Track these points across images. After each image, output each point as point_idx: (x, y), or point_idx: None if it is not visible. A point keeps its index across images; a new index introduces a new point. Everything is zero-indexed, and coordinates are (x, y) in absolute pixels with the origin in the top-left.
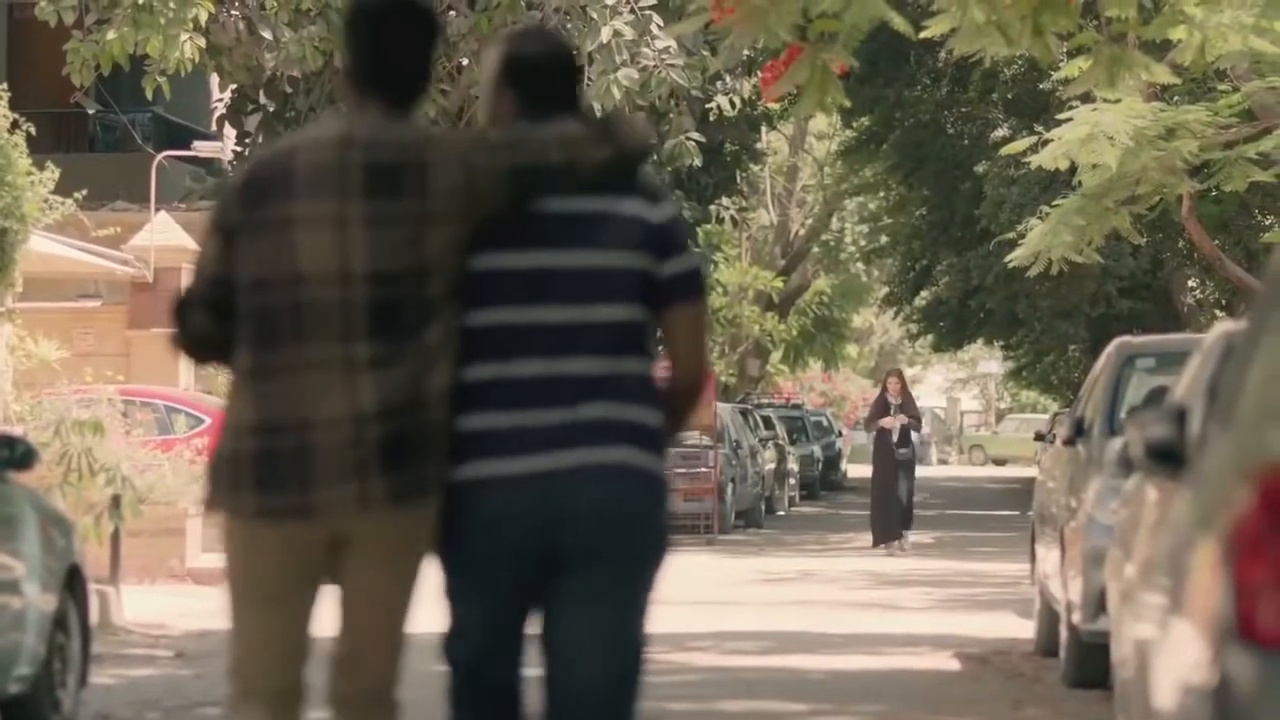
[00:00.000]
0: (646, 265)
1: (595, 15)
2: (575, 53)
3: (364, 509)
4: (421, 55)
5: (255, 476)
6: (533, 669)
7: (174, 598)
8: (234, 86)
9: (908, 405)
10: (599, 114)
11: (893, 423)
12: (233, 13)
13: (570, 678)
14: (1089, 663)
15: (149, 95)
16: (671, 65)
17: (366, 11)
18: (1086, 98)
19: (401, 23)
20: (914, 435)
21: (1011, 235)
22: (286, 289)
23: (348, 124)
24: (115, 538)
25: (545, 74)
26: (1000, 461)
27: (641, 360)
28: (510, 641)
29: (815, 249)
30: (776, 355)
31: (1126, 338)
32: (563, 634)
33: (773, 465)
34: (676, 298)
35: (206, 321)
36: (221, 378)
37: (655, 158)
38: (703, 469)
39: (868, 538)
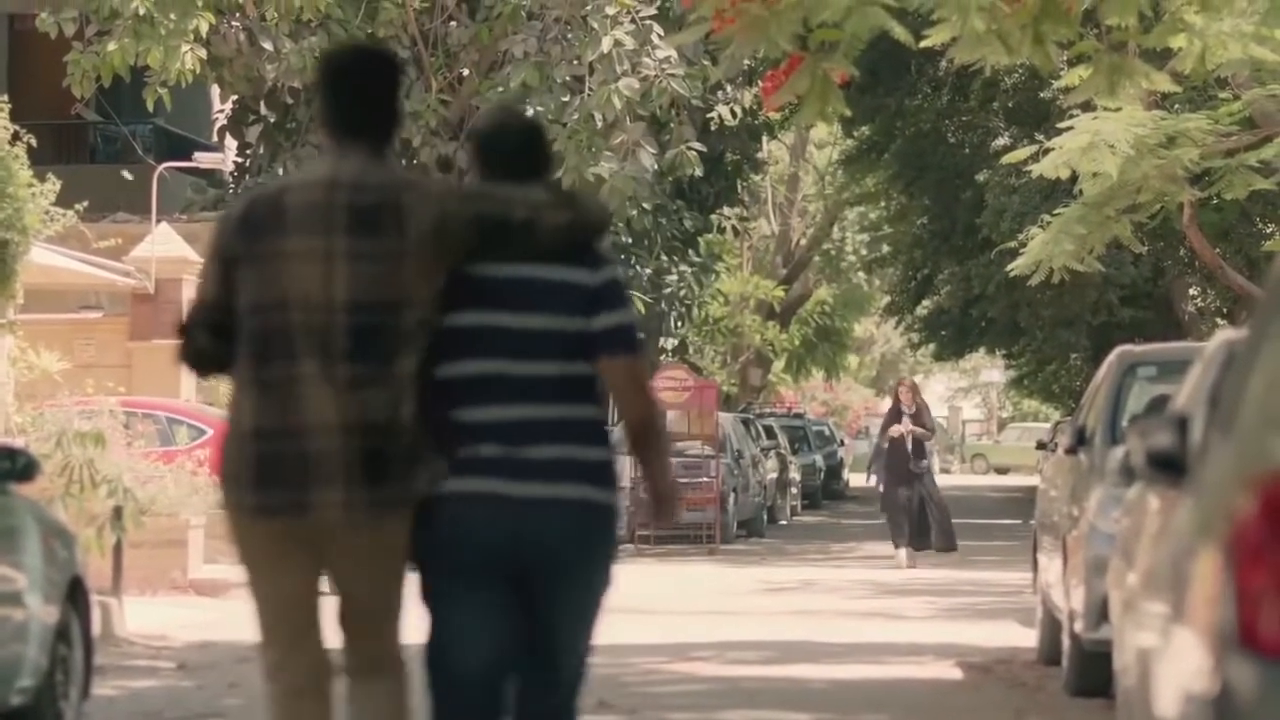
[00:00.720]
0: (583, 326)
1: (596, 25)
2: (539, 128)
3: (348, 513)
4: (390, 99)
5: (255, 476)
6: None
7: (176, 609)
8: (235, 97)
9: (922, 415)
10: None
11: (900, 430)
12: (233, 24)
13: (543, 675)
14: (1091, 671)
15: (150, 106)
16: (672, 75)
17: (335, 66)
18: (1087, 106)
19: (369, 72)
20: (927, 446)
21: (1013, 244)
22: (279, 313)
23: (333, 167)
24: (117, 549)
25: (505, 144)
26: (1002, 470)
27: (592, 406)
28: (489, 643)
29: (816, 258)
30: (778, 365)
31: (1128, 346)
32: (542, 614)
33: (775, 475)
34: (604, 350)
35: (208, 340)
36: (223, 389)
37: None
38: (705, 479)
39: (870, 547)
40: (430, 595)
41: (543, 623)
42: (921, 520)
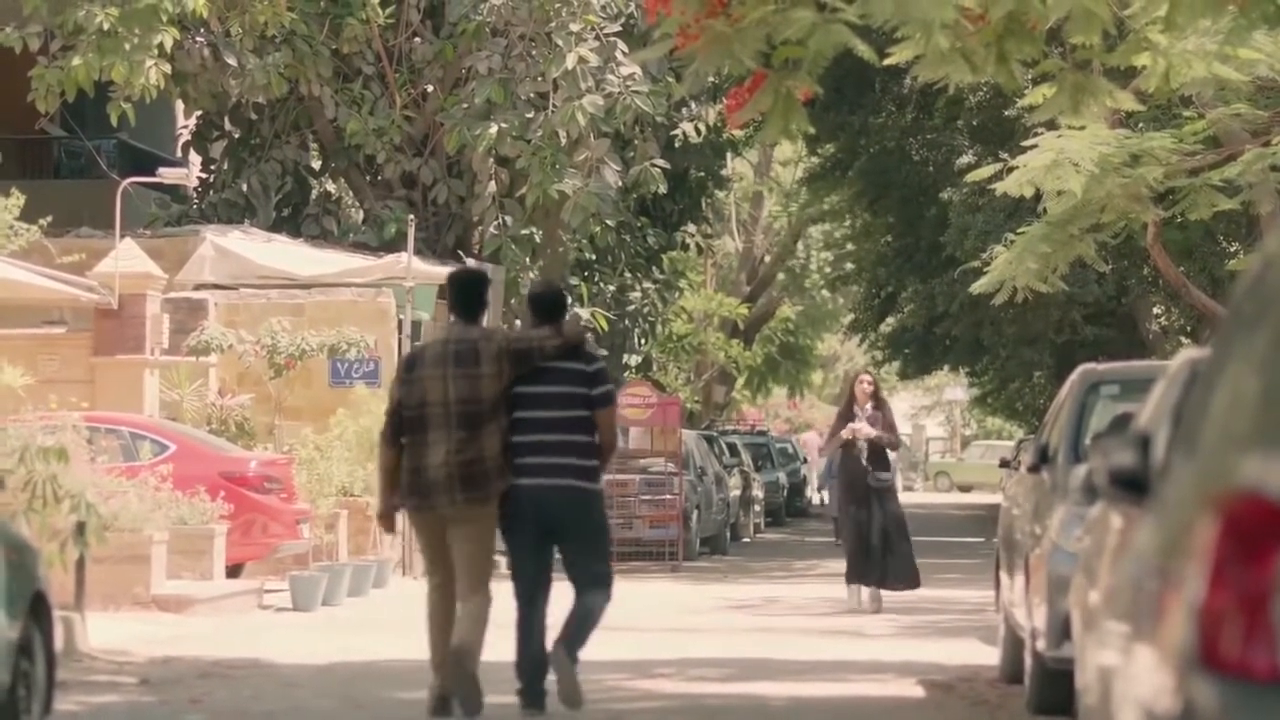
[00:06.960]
0: (585, 391)
1: (560, 42)
2: (559, 293)
3: (453, 506)
4: (481, 297)
5: (411, 491)
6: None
7: (138, 624)
8: (199, 113)
9: (882, 416)
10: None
11: (865, 431)
12: (198, 39)
13: (581, 572)
14: (1053, 690)
15: (114, 122)
16: (636, 92)
17: (456, 280)
18: (1051, 124)
19: (473, 285)
20: (891, 455)
21: (976, 263)
22: (421, 409)
23: (448, 332)
24: (80, 564)
25: (539, 303)
26: (965, 488)
27: (589, 435)
28: (540, 573)
29: (780, 275)
30: (742, 382)
31: (1091, 364)
32: (572, 560)
33: (738, 492)
34: (597, 406)
35: (398, 428)
36: (185, 406)
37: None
38: (667, 496)
39: (832, 564)
40: (508, 544)
41: (571, 552)
42: (884, 549)
